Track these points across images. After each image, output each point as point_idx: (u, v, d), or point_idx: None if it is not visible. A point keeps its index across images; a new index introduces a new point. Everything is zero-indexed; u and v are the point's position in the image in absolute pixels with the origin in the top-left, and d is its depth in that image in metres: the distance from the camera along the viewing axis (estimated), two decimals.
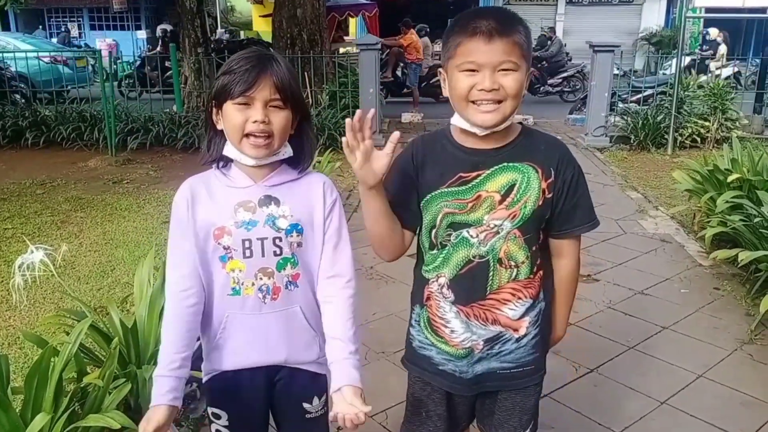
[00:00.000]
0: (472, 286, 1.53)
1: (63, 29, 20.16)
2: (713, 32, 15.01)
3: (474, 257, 1.50)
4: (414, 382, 1.72)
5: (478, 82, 1.40)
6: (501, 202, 1.47)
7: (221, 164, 1.56)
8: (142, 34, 22.33)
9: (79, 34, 22.48)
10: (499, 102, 1.42)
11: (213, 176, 1.56)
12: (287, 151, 1.54)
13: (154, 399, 1.46)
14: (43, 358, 1.93)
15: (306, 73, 9.27)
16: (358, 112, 1.41)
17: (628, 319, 3.69)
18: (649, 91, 10.06)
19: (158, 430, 1.41)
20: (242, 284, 1.52)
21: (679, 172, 5.60)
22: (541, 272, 1.56)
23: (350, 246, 1.60)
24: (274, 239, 1.51)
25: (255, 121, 1.44)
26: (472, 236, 1.49)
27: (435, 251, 1.56)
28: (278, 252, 1.51)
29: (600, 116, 8.82)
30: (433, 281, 1.58)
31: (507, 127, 1.49)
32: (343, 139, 1.39)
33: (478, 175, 1.48)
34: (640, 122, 8.73)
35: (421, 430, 1.72)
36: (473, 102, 1.43)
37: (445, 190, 1.50)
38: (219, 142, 1.55)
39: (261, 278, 1.52)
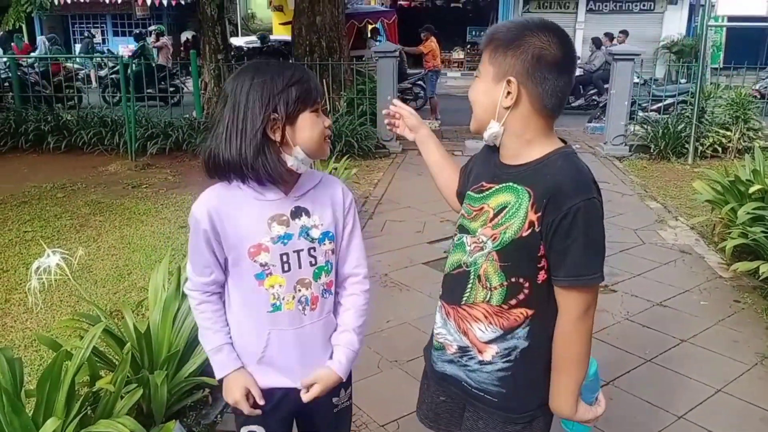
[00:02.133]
0: (454, 289, 1.52)
1: (87, 35, 20.46)
2: None
3: (463, 264, 1.49)
4: (425, 370, 1.75)
5: None
6: (491, 219, 1.43)
7: (232, 178, 1.50)
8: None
9: (103, 40, 22.81)
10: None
11: (238, 189, 1.50)
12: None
13: (224, 368, 1.56)
14: (55, 363, 1.94)
15: (324, 80, 9.31)
16: (385, 111, 1.76)
17: (645, 331, 3.63)
18: (670, 100, 9.97)
19: (250, 391, 1.54)
20: (283, 299, 1.53)
21: (700, 183, 5.52)
22: (524, 309, 1.42)
23: (363, 243, 1.68)
24: (309, 249, 1.53)
25: (328, 126, 1.53)
26: (468, 244, 1.48)
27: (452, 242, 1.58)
28: (314, 262, 1.54)
29: (619, 125, 8.74)
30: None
31: (529, 148, 1.41)
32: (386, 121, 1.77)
33: (490, 188, 1.47)
34: (661, 131, 8.64)
35: (421, 407, 1.75)
36: None
37: (470, 193, 1.53)
38: (270, 156, 1.45)
39: (300, 290, 1.54)
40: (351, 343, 1.63)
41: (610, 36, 13.84)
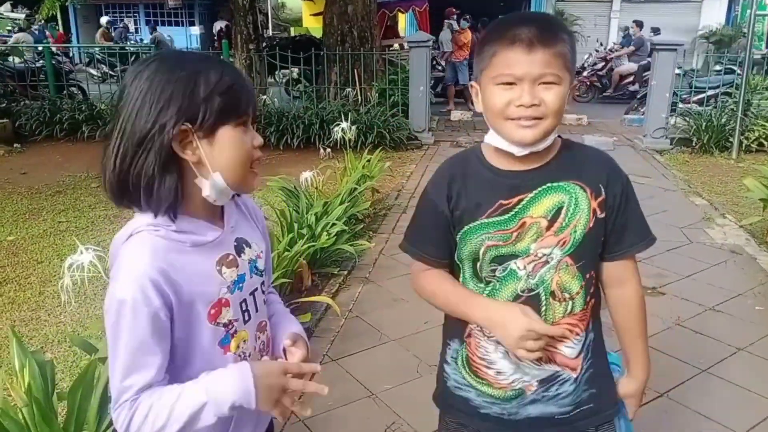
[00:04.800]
0: None
1: (121, 24, 20.64)
2: None
3: (522, 291, 1.32)
4: (447, 423, 1.52)
5: (515, 97, 1.25)
6: (548, 228, 1.30)
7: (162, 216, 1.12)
8: (195, 30, 22.76)
9: (135, 29, 22.99)
10: (539, 119, 1.26)
11: (168, 236, 1.11)
12: None
13: (233, 382, 1.10)
14: (87, 371, 1.86)
15: (356, 70, 9.19)
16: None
17: (698, 337, 3.45)
18: (712, 92, 9.62)
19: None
20: (248, 356, 1.23)
21: (751, 180, 5.26)
22: (593, 301, 1.39)
23: None
24: (261, 285, 1.28)
25: (258, 145, 1.18)
26: (519, 268, 1.32)
27: (480, 284, 1.38)
28: (266, 299, 1.32)
29: (660, 117, 8.45)
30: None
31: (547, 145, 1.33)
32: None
33: (520, 200, 1.31)
34: (704, 124, 8.32)
35: None
36: (511, 119, 1.27)
37: (485, 221, 1.33)
38: (176, 181, 1.10)
39: (259, 337, 1.27)
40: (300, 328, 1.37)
41: (639, 24, 13.53)
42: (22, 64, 10.39)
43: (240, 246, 1.22)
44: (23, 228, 5.26)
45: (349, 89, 9.25)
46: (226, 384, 1.09)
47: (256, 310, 1.25)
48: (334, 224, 4.28)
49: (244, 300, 1.21)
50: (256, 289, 1.25)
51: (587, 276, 1.34)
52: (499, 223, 1.32)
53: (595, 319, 1.41)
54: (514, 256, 1.32)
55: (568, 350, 1.35)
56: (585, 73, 13.09)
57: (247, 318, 1.22)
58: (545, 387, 1.37)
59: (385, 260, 4.59)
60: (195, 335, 1.14)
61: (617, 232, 1.36)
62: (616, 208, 1.34)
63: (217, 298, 1.15)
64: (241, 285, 1.20)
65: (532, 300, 1.32)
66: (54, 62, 10.56)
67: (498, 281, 1.34)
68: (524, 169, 1.33)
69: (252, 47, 10.43)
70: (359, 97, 9.07)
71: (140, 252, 1.08)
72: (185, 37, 21.82)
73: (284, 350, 1.29)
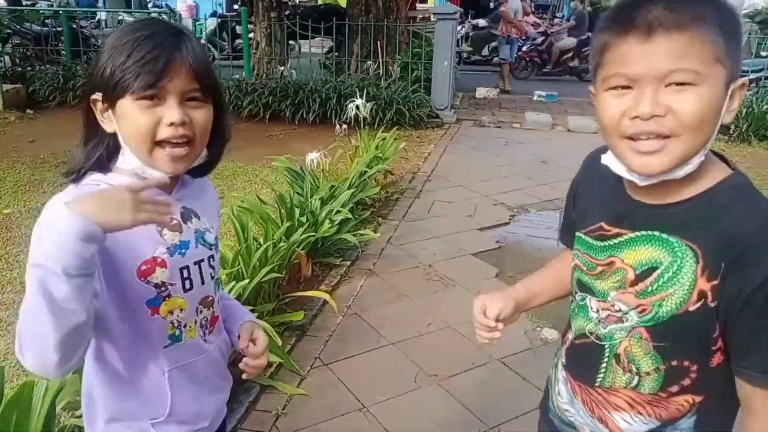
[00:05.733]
0: (582, 363, 1.15)
1: None
2: None
3: (590, 333, 1.11)
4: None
5: (630, 106, 0.93)
6: (633, 283, 1.03)
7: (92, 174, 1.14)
8: None
9: None
10: (666, 137, 0.92)
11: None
12: (203, 155, 1.20)
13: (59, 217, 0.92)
14: (23, 389, 1.63)
15: (379, 42, 8.84)
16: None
17: None
18: (753, 75, 9.08)
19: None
20: (185, 327, 1.19)
21: None
22: (691, 396, 1.04)
23: None
24: (209, 259, 1.23)
25: (172, 124, 1.07)
26: (592, 309, 1.10)
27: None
28: (213, 274, 1.24)
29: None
30: (568, 329, 1.22)
31: (692, 177, 0.98)
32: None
33: (618, 234, 1.06)
34: (744, 111, 7.85)
35: None
36: (626, 136, 0.96)
37: (583, 236, 1.14)
38: (102, 149, 1.14)
39: (201, 311, 1.23)
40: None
41: None
42: (43, 28, 10.19)
43: (187, 214, 1.20)
44: (21, 200, 5.08)
45: (370, 62, 8.91)
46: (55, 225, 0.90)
47: (202, 283, 1.21)
48: (338, 211, 4.01)
49: (187, 267, 1.17)
50: (202, 260, 1.21)
51: (673, 363, 1.02)
52: (591, 247, 1.11)
53: (699, 419, 1.05)
54: (591, 292, 1.11)
55: (623, 423, 1.09)
56: (524, 48, 12.56)
57: (188, 287, 1.18)
58: None
59: (393, 250, 4.32)
60: (126, 287, 1.09)
61: (741, 339, 0.96)
62: (740, 308, 0.93)
63: (151, 256, 1.11)
64: (183, 251, 1.17)
65: (595, 349, 1.10)
66: (75, 26, 10.34)
67: (575, 307, 1.17)
68: (641, 199, 1.03)
69: (273, 15, 10.09)
70: (381, 71, 8.73)
71: (68, 199, 0.93)
72: (211, 2, 21.49)
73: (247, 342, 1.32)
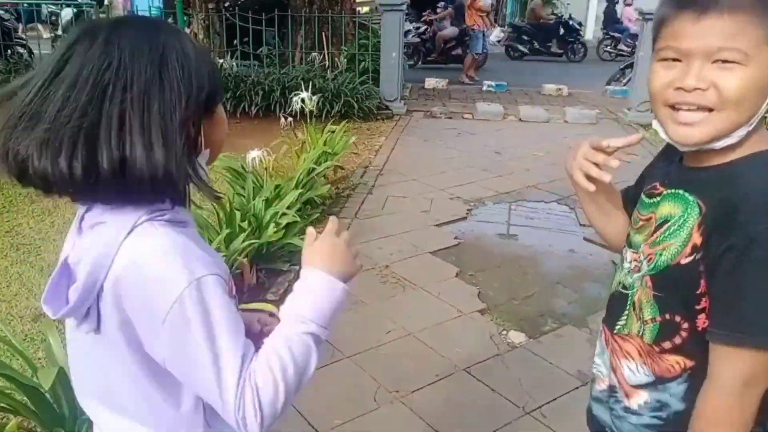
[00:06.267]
0: (613, 312, 1.23)
1: None
2: None
3: (620, 284, 1.21)
4: None
5: (677, 77, 1.00)
6: (652, 234, 1.12)
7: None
8: None
9: None
10: (709, 110, 0.99)
11: (173, 218, 1.00)
12: None
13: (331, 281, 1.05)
14: None
15: (324, 34, 8.53)
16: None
17: None
18: None
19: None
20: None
21: None
22: (681, 358, 1.09)
23: None
24: None
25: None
26: (626, 260, 1.20)
27: None
28: None
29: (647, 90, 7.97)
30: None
31: (735, 147, 1.03)
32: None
33: (660, 193, 1.15)
34: None
35: None
36: (669, 105, 1.03)
37: (643, 196, 1.20)
38: (195, 164, 1.00)
39: None
40: None
41: None
42: None
43: None
44: None
45: (315, 54, 8.59)
46: (312, 291, 1.04)
47: None
48: (284, 214, 3.70)
49: None
50: None
51: (666, 316, 1.09)
52: (642, 203, 1.19)
53: (689, 388, 1.09)
54: (630, 245, 1.20)
55: (628, 372, 1.17)
56: (409, 37, 12.55)
57: None
58: (609, 393, 1.24)
59: None
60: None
61: (714, 298, 1.01)
62: (716, 263, 0.99)
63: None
64: None
65: (622, 298, 1.19)
66: None
67: (620, 260, 1.24)
68: (687, 163, 1.12)
69: (212, 7, 9.66)
70: (327, 63, 8.42)
71: (170, 236, 0.95)
72: None
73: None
